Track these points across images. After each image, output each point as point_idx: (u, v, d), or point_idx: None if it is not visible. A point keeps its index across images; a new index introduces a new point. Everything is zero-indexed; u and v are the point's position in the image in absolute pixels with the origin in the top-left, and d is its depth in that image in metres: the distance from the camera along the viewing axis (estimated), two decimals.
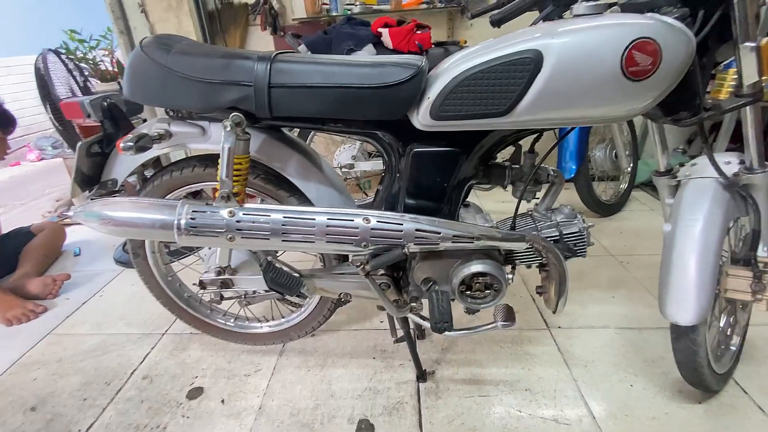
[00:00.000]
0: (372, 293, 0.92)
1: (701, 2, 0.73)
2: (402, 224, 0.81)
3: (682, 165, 0.98)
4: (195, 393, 1.16)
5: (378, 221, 0.81)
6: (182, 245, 0.81)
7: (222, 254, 0.97)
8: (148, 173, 1.04)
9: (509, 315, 0.89)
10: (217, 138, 0.86)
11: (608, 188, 2.11)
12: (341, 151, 2.07)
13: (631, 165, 2.05)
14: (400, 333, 1.12)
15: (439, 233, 0.82)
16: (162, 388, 1.18)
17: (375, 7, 2.13)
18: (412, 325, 1.18)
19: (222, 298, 1.07)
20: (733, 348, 1.09)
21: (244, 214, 0.80)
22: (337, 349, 1.28)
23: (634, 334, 1.29)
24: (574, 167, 1.80)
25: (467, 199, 0.99)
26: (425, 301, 0.96)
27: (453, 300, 0.93)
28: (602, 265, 1.67)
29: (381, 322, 1.39)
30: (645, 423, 1.00)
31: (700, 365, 0.93)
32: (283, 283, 0.87)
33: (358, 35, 1.71)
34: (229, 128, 0.76)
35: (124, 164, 0.97)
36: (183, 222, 0.79)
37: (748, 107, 0.80)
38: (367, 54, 1.70)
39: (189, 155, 1.02)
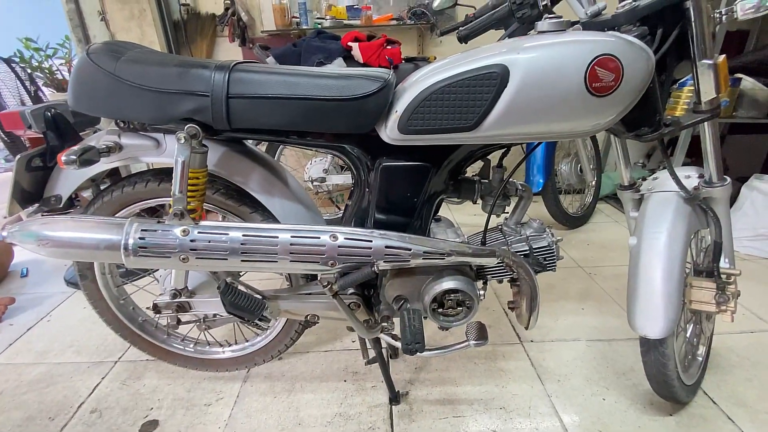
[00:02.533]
0: (341, 314, 0.88)
1: (659, 21, 0.75)
2: (371, 241, 0.78)
3: (644, 179, 1.00)
4: (149, 427, 1.06)
5: (346, 238, 0.77)
6: (130, 268, 0.75)
7: (177, 275, 0.91)
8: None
9: (482, 333, 0.87)
10: (172, 151, 0.80)
11: (574, 201, 2.16)
12: (312, 165, 2.03)
13: (596, 178, 2.11)
14: (372, 353, 1.07)
15: (410, 250, 0.79)
16: (112, 423, 1.08)
17: (345, 21, 2.13)
18: (384, 345, 1.13)
19: (179, 322, 0.99)
20: (700, 358, 1.11)
21: (199, 232, 0.74)
22: (306, 373, 1.22)
23: (605, 346, 1.30)
24: (541, 181, 1.83)
25: (438, 214, 0.98)
26: (397, 320, 0.92)
27: (425, 318, 0.90)
28: (571, 276, 1.69)
29: (353, 342, 1.34)
30: None
31: (670, 378, 0.94)
32: (244, 307, 0.81)
33: (328, 48, 1.70)
34: (183, 141, 0.71)
35: (69, 179, 0.90)
36: (131, 242, 0.73)
37: (706, 123, 0.82)
38: (336, 67, 1.68)
39: (150, 168, 0.96)
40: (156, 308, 0.96)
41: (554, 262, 0.91)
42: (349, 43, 1.70)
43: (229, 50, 2.33)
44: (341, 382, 1.18)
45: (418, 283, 0.87)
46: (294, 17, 2.17)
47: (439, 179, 0.87)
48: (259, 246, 0.74)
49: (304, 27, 2.13)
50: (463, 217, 2.36)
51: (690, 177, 0.92)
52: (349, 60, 1.71)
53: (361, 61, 1.70)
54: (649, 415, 1.05)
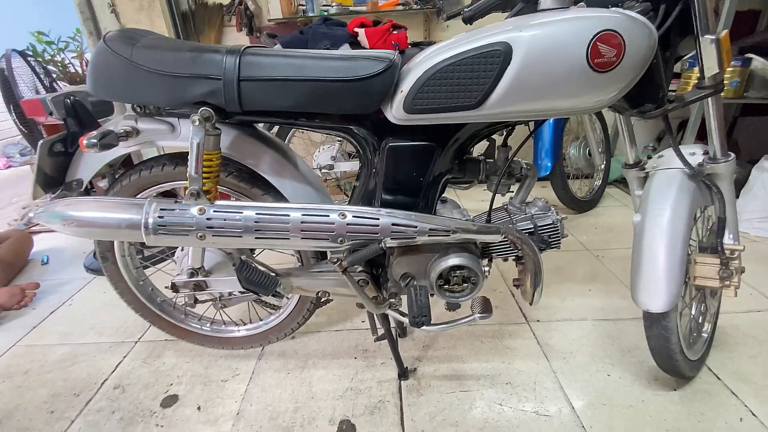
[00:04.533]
0: (350, 290, 0.91)
1: None
2: (378, 219, 0.80)
3: (649, 158, 1.01)
4: (170, 401, 1.12)
5: (354, 216, 0.80)
6: (150, 245, 0.79)
7: (194, 255, 0.95)
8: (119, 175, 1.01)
9: (486, 307, 0.89)
10: (186, 135, 0.84)
11: (583, 185, 2.16)
12: (320, 152, 2.06)
13: (604, 162, 2.10)
14: (381, 331, 1.11)
15: (416, 227, 0.81)
16: (134, 398, 1.14)
17: (351, 8, 2.13)
18: (392, 323, 1.17)
19: (196, 301, 1.04)
20: (705, 335, 1.12)
21: (215, 211, 0.77)
22: (318, 351, 1.26)
23: (610, 325, 1.32)
24: (549, 165, 1.83)
25: (444, 195, 1.00)
26: (404, 298, 0.95)
27: (432, 295, 0.93)
28: (578, 259, 1.70)
29: (362, 322, 1.38)
30: (622, 411, 1.02)
31: (673, 351, 0.95)
32: (259, 283, 0.85)
33: (334, 35, 1.71)
34: (197, 123, 0.74)
35: (89, 163, 0.94)
36: (151, 221, 0.76)
37: (710, 98, 0.83)
38: None
39: (162, 153, 0.99)
40: (174, 287, 1.00)
41: (559, 240, 0.93)
42: (355, 29, 1.71)
43: (236, 39, 2.35)
44: (352, 359, 1.22)
45: (425, 260, 0.90)
46: (300, 5, 2.18)
47: (444, 159, 0.89)
48: (272, 224, 0.77)
49: (311, 14, 2.14)
50: (470, 203, 2.38)
51: (695, 154, 0.92)
52: (356, 46, 1.72)
53: (368, 46, 1.71)
54: (653, 389, 1.07)
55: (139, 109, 0.86)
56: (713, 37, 0.76)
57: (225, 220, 0.77)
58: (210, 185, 0.82)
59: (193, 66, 0.74)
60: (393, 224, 0.81)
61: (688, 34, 0.79)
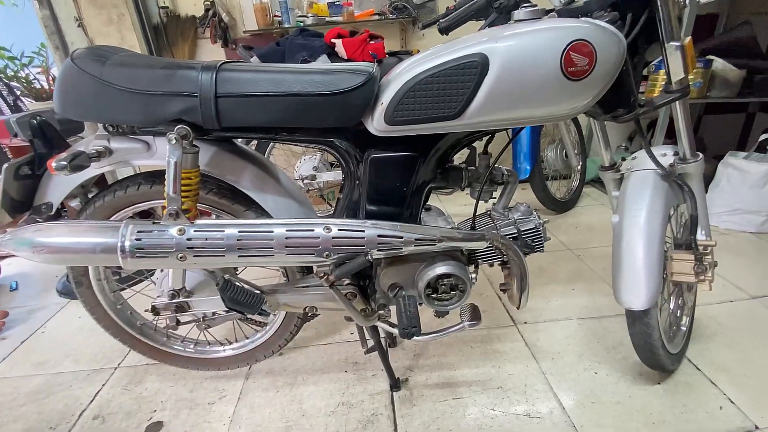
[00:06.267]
0: (338, 304, 0.90)
1: (629, 6, 0.79)
2: (364, 231, 0.80)
3: (623, 159, 1.04)
4: (154, 428, 1.07)
5: (339, 229, 0.79)
6: (128, 269, 0.76)
7: (175, 275, 0.92)
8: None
9: (475, 314, 0.90)
10: (163, 153, 0.81)
11: (561, 186, 2.21)
12: (302, 163, 2.04)
13: (581, 163, 2.16)
14: (371, 343, 1.10)
15: (402, 237, 0.81)
16: (116, 428, 1.09)
17: (327, 18, 2.13)
18: (382, 334, 1.16)
19: (178, 323, 1.00)
20: (684, 328, 1.16)
21: (195, 231, 0.75)
22: (308, 366, 1.24)
23: (595, 323, 1.34)
24: (528, 168, 1.87)
25: (428, 203, 1.00)
26: (393, 309, 0.95)
27: (420, 304, 0.93)
28: (561, 259, 1.74)
29: (351, 334, 1.36)
30: (611, 408, 1.04)
31: (655, 347, 0.98)
32: (244, 302, 0.83)
33: (311, 46, 1.71)
34: (174, 141, 0.72)
35: (59, 186, 0.90)
36: (128, 244, 0.74)
37: (677, 102, 0.86)
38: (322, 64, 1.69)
39: (138, 172, 0.96)
40: (155, 310, 0.97)
41: (542, 243, 0.95)
42: (333, 40, 1.71)
43: (211, 52, 2.31)
44: (342, 372, 1.21)
45: (412, 270, 0.90)
46: (276, 16, 2.17)
47: (427, 168, 0.89)
48: (255, 241, 0.76)
49: (287, 25, 2.13)
50: (454, 207, 2.40)
51: (666, 155, 0.96)
52: (333, 56, 1.72)
53: (345, 57, 1.71)
54: (638, 385, 1.10)
55: (111, 128, 0.83)
56: (678, 43, 0.79)
57: (206, 239, 0.75)
58: (189, 204, 0.79)
59: (167, 83, 0.72)
60: (379, 236, 0.80)
61: (654, 41, 0.82)
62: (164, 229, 0.75)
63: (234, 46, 2.10)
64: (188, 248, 0.75)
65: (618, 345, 1.24)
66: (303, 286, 0.91)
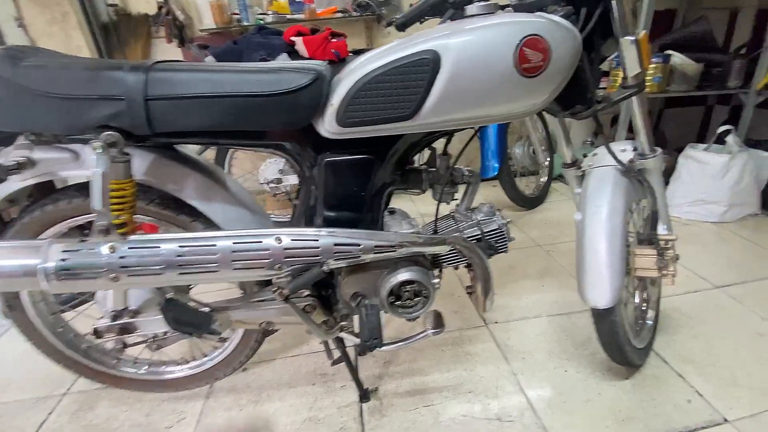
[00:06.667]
0: (297, 318, 0.85)
1: (583, 1, 0.77)
2: (318, 240, 0.75)
3: (586, 156, 1.04)
4: None
5: (292, 240, 0.74)
6: (54, 293, 0.68)
7: (116, 296, 0.84)
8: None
9: (438, 322, 0.87)
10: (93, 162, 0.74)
11: (530, 183, 2.22)
12: (267, 166, 1.97)
13: (548, 159, 2.17)
14: (338, 354, 1.05)
15: (359, 245, 0.77)
16: None
17: (289, 16, 2.06)
18: (350, 343, 1.12)
19: (125, 345, 0.93)
20: (650, 322, 1.17)
21: (129, 248, 0.69)
22: (273, 381, 1.18)
23: (564, 320, 1.34)
24: (496, 166, 1.86)
25: (392, 206, 0.96)
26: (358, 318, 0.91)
27: (386, 312, 0.89)
28: (531, 255, 1.74)
29: (320, 344, 1.31)
30: (581, 406, 1.03)
31: (621, 344, 0.98)
32: (189, 322, 0.76)
33: (270, 45, 1.64)
34: (100, 150, 0.65)
35: None
36: (52, 265, 0.66)
37: (634, 97, 0.86)
38: None
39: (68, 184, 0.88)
40: (97, 333, 0.89)
41: (506, 245, 0.93)
42: (292, 38, 1.65)
43: (167, 51, 2.20)
44: (310, 385, 1.16)
45: (374, 277, 0.86)
46: (234, 14, 2.08)
47: (384, 171, 0.85)
48: (197, 257, 0.70)
49: (246, 23, 2.05)
50: (426, 207, 2.37)
51: (626, 150, 0.96)
52: (294, 55, 1.66)
53: (307, 55, 1.65)
54: (607, 381, 1.10)
55: (34, 137, 0.75)
56: (633, 38, 0.78)
57: (142, 257, 0.69)
58: (125, 217, 0.72)
59: (90, 86, 0.65)
60: (335, 244, 0.76)
61: (610, 36, 0.81)
62: (93, 248, 0.68)
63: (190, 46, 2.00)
64: (121, 267, 0.68)
65: (587, 341, 1.24)
66: (258, 301, 0.86)
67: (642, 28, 1.89)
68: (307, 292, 0.86)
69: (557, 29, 0.68)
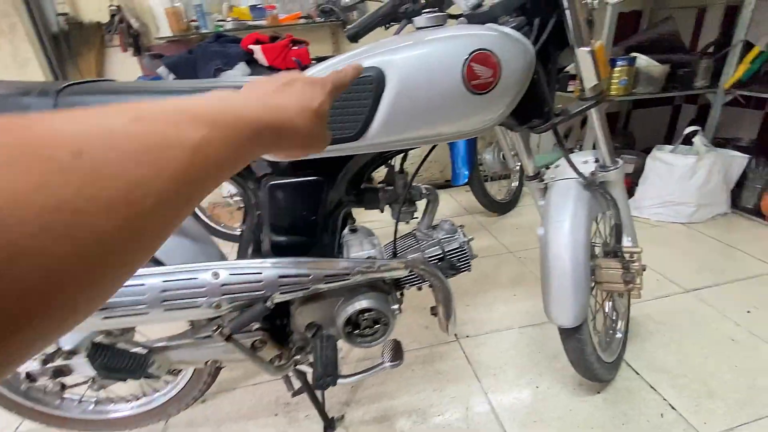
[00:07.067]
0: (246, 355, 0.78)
1: (536, 11, 0.73)
2: (261, 272, 0.69)
3: (548, 168, 1.01)
4: None
5: (231, 274, 0.68)
6: None
7: None
8: None
9: (397, 353, 0.82)
10: None
11: (501, 187, 2.21)
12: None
13: (519, 163, 2.16)
14: (298, 384, 0.99)
15: (309, 275, 0.72)
16: None
17: (250, 23, 1.99)
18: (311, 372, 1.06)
19: (64, 387, 0.85)
20: (620, 334, 1.15)
21: None
22: (233, 412, 1.12)
23: (536, 331, 1.32)
24: (467, 173, 1.83)
25: (355, 224, 0.91)
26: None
27: (346, 341, 0.83)
28: (503, 263, 1.71)
29: None
30: (553, 424, 1.00)
31: (589, 361, 0.95)
32: (121, 368, 0.69)
33: (227, 53, 1.56)
34: None
35: None
36: None
37: (592, 109, 0.83)
38: (239, 73, 1.55)
39: None
40: (30, 377, 0.81)
41: (468, 263, 0.88)
42: (250, 46, 1.58)
43: (123, 61, 2.09)
44: (272, 416, 1.09)
45: (329, 306, 0.81)
46: (192, 21, 1.99)
47: (337, 192, 0.80)
48: (122, 298, 0.63)
49: (204, 31, 1.97)
50: None
51: (587, 162, 0.93)
52: (253, 64, 1.59)
53: (266, 64, 1.59)
54: (579, 396, 1.07)
55: None
56: (588, 49, 0.75)
57: None
58: None
59: None
60: (280, 276, 0.70)
61: (566, 46, 0.78)
62: None
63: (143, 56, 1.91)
64: None
65: (558, 353, 1.21)
66: (202, 337, 0.79)
67: (606, 31, 1.89)
68: (257, 326, 0.80)
69: (508, 42, 0.64)
